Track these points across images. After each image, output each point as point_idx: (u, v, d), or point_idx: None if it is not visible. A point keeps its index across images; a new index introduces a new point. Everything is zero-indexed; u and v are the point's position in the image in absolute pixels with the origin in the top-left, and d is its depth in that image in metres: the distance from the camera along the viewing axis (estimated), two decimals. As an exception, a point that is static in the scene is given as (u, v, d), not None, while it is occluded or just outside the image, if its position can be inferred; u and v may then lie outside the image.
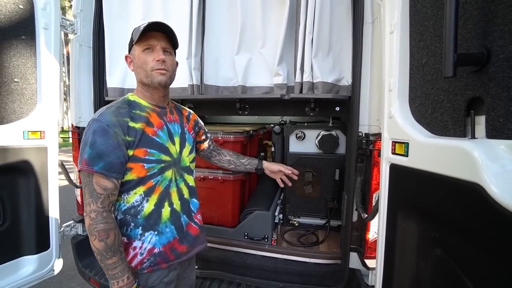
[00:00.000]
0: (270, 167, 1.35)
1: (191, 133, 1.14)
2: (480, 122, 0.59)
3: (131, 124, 0.90)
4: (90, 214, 0.84)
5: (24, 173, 1.47)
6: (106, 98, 1.80)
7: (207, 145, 1.29)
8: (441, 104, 0.72)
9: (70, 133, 1.83)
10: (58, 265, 1.64)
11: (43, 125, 1.51)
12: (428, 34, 0.77)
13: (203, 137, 1.25)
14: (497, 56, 0.53)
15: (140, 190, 0.93)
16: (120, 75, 1.81)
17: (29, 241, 1.52)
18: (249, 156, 1.39)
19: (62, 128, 1.75)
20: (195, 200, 1.12)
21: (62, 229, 1.72)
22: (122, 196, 0.93)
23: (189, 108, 1.77)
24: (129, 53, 1.00)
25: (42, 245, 1.56)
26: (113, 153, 0.85)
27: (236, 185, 1.70)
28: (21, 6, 1.37)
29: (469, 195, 0.55)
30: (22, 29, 1.39)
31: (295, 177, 1.37)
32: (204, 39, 1.57)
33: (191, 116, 1.19)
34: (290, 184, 1.39)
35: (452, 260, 0.64)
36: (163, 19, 1.64)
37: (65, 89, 1.88)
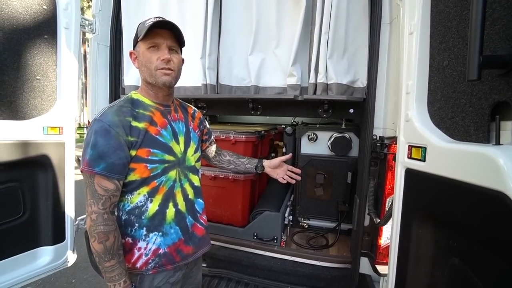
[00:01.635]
0: (271, 162, 1.33)
1: (197, 131, 1.12)
2: (506, 128, 0.56)
3: (134, 123, 0.88)
4: (91, 215, 0.84)
5: (43, 167, 1.52)
6: (122, 96, 1.84)
7: (209, 145, 1.27)
8: (462, 108, 0.69)
9: (86, 129, 1.88)
10: (72, 257, 1.69)
11: (62, 121, 1.56)
12: (451, 35, 0.75)
13: (206, 136, 1.23)
14: (526, 59, 0.51)
15: (144, 190, 0.92)
16: (136, 73, 1.84)
17: (46, 233, 1.57)
18: (251, 157, 1.38)
19: (79, 124, 1.80)
20: (200, 200, 1.10)
21: (76, 222, 1.77)
22: (126, 197, 0.92)
23: (202, 107, 1.79)
24: (133, 49, 0.98)
25: (58, 237, 1.61)
26: (114, 154, 0.83)
27: (247, 185, 1.70)
28: (44, 7, 1.42)
29: (492, 204, 0.52)
30: (45, 28, 1.44)
31: (298, 177, 1.35)
32: (220, 38, 1.58)
33: (196, 114, 1.17)
34: (293, 182, 1.36)
35: (470, 271, 0.61)
36: (179, 19, 1.67)
37: (82, 86, 1.93)
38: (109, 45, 1.82)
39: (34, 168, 1.49)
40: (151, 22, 0.87)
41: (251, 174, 1.40)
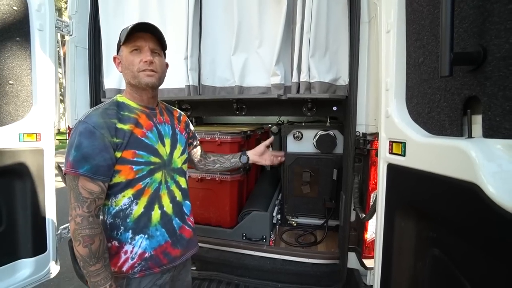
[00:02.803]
0: (255, 150, 1.32)
1: (183, 133, 1.12)
2: (477, 122, 0.59)
3: (119, 125, 0.88)
4: (75, 218, 0.82)
5: (20, 175, 1.45)
6: (103, 99, 1.79)
7: (193, 148, 1.26)
8: (438, 103, 0.71)
9: (67, 134, 1.81)
10: (55, 268, 1.63)
11: (39, 127, 1.50)
12: (425, 33, 0.77)
13: (191, 140, 1.23)
14: (493, 55, 0.53)
15: (129, 193, 0.91)
16: (117, 76, 1.80)
17: (25, 244, 1.50)
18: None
19: (59, 130, 1.74)
20: (188, 202, 1.10)
21: (59, 231, 1.71)
22: (111, 199, 0.91)
23: (186, 109, 1.77)
24: (117, 54, 0.98)
25: (39, 248, 1.55)
26: (99, 155, 0.83)
27: (234, 185, 1.69)
28: (15, 8, 1.36)
29: (466, 195, 0.54)
30: (16, 30, 1.37)
31: (283, 159, 1.36)
32: (201, 39, 1.56)
33: (181, 117, 1.17)
34: (280, 161, 1.36)
35: (449, 260, 0.64)
36: (159, 20, 1.64)
37: (62, 90, 1.87)
38: (87, 47, 1.77)
39: (10, 176, 1.43)
40: (132, 26, 0.89)
41: (238, 168, 1.38)
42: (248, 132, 1.84)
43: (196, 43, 1.56)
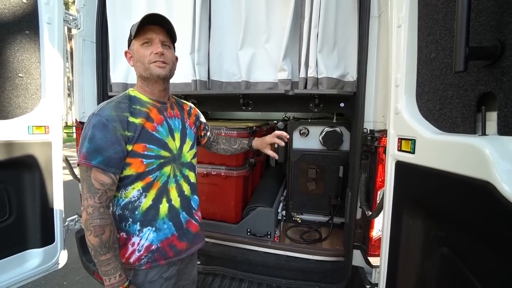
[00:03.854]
0: (262, 140, 1.33)
1: (192, 128, 1.13)
2: (492, 119, 0.57)
3: (131, 119, 0.90)
4: (87, 209, 0.84)
5: (29, 167, 1.48)
6: (110, 93, 1.80)
7: (207, 138, 1.29)
8: (450, 100, 0.70)
9: (74, 128, 1.83)
10: (62, 258, 1.66)
11: (48, 120, 1.51)
12: (438, 28, 0.75)
13: (204, 131, 1.25)
14: (509, 51, 0.51)
15: (138, 185, 0.93)
16: (124, 70, 1.80)
17: (34, 235, 1.53)
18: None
19: (66, 123, 1.75)
20: (196, 197, 1.12)
21: (66, 223, 1.74)
22: (120, 191, 0.93)
23: (192, 103, 1.77)
24: (128, 48, 0.99)
25: (47, 238, 1.58)
26: (111, 148, 0.85)
27: (239, 181, 1.69)
28: (24, 1, 1.36)
29: (480, 194, 0.53)
30: (25, 24, 1.38)
31: (285, 139, 1.33)
32: (210, 33, 1.55)
33: (192, 110, 1.18)
34: (283, 143, 1.33)
35: (459, 259, 0.63)
36: (166, 13, 1.63)
37: (69, 84, 1.88)
38: (95, 41, 1.77)
39: (20, 169, 1.45)
40: (142, 18, 0.90)
41: (246, 150, 1.38)
42: (254, 127, 1.84)
43: (204, 37, 1.55)
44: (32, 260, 1.53)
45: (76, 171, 1.78)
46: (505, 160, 0.49)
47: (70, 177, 1.84)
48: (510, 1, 0.51)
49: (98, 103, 1.78)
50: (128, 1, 1.72)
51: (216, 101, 1.75)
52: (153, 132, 0.94)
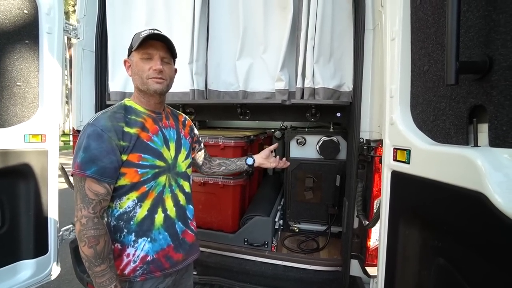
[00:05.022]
0: (261, 153, 1.34)
1: (187, 138, 1.14)
2: (483, 130, 0.58)
3: (126, 129, 0.90)
4: (81, 219, 0.83)
5: (24, 176, 1.46)
6: (108, 102, 1.81)
7: (197, 152, 1.28)
8: (443, 111, 0.71)
9: (71, 136, 1.83)
10: (56, 269, 1.63)
11: (44, 129, 1.51)
12: (430, 42, 0.77)
13: (196, 144, 1.25)
14: (500, 65, 0.53)
15: (133, 195, 0.92)
16: (122, 79, 1.82)
17: (27, 245, 1.50)
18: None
19: (63, 131, 1.75)
20: (191, 207, 1.11)
21: (60, 233, 1.71)
22: (115, 202, 0.92)
23: (190, 112, 1.78)
24: (128, 57, 1.01)
25: (40, 249, 1.55)
26: (106, 157, 0.85)
27: (237, 190, 1.69)
28: (25, 11, 1.38)
29: (472, 204, 0.54)
30: (26, 33, 1.40)
31: (287, 163, 1.37)
32: (208, 43, 1.58)
33: (186, 122, 1.19)
34: (286, 166, 1.38)
35: (455, 269, 0.63)
36: (165, 25, 1.67)
37: (67, 92, 1.89)
38: (94, 51, 1.79)
39: (15, 177, 1.44)
40: (146, 34, 0.91)
41: (243, 171, 1.37)
42: (251, 136, 1.85)
43: (202, 47, 1.57)
44: (25, 271, 1.50)
45: (72, 179, 1.77)
46: (497, 172, 0.50)
47: (65, 186, 1.83)
48: (496, 19, 0.53)
49: (96, 111, 1.79)
50: (128, 12, 1.75)
51: (213, 110, 1.76)
52: (148, 142, 0.94)
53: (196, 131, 1.24)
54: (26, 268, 1.50)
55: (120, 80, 1.82)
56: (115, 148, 0.86)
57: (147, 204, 0.94)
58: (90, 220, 0.83)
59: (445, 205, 0.65)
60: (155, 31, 0.93)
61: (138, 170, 0.91)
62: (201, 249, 1.37)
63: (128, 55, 1.00)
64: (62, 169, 1.69)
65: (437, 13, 0.74)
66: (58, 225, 1.64)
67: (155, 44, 0.94)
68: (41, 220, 1.54)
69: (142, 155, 0.92)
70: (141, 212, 0.94)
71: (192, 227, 1.10)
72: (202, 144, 1.30)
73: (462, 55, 0.61)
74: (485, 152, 0.54)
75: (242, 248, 1.59)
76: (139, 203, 0.93)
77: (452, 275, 0.64)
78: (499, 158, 0.52)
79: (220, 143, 1.61)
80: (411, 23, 0.89)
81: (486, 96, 0.57)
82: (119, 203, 0.92)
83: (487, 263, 0.53)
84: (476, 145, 0.59)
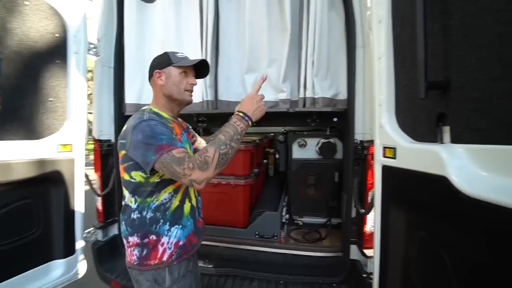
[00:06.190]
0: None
1: (192, 141, 1.31)
2: (446, 131, 0.80)
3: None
4: (192, 169, 0.89)
5: (55, 183, 1.62)
6: (125, 113, 1.98)
7: (198, 145, 1.39)
8: (419, 117, 0.93)
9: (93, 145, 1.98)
10: (82, 269, 1.77)
11: (72, 139, 1.67)
12: (408, 63, 0.99)
13: (194, 138, 1.37)
14: (454, 85, 0.75)
15: (170, 188, 1.06)
16: (136, 92, 1.99)
17: (58, 246, 1.65)
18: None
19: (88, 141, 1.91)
20: (200, 198, 1.27)
21: (84, 235, 1.85)
22: (154, 196, 1.04)
23: (202, 121, 1.97)
24: (159, 69, 1.11)
25: (69, 250, 1.69)
26: (172, 136, 0.99)
27: (246, 189, 1.87)
28: (57, 35, 1.55)
29: (440, 185, 0.74)
30: (57, 54, 1.56)
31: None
32: (218, 60, 1.78)
33: (190, 129, 1.35)
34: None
35: (432, 238, 0.83)
36: (176, 41, 1.86)
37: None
38: (112, 66, 1.96)
39: (47, 184, 1.59)
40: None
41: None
42: (257, 141, 2.04)
43: (213, 63, 1.77)
44: (56, 270, 1.64)
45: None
46: (454, 160, 0.71)
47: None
48: (451, 52, 0.75)
49: (116, 122, 1.95)
50: (142, 31, 1.94)
51: (224, 118, 1.94)
52: (179, 142, 1.07)
53: (194, 133, 1.39)
54: (57, 267, 1.65)
55: (134, 93, 1.99)
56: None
57: (179, 195, 1.08)
58: (194, 160, 0.90)
59: (422, 188, 0.85)
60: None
61: None
62: (216, 243, 1.52)
63: (161, 68, 1.12)
64: (86, 176, 1.84)
65: (411, 41, 0.95)
66: (83, 228, 1.78)
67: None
68: (69, 223, 1.69)
69: None
70: (175, 203, 1.07)
71: (202, 214, 1.26)
72: (196, 137, 1.41)
73: (433, 75, 0.81)
74: (447, 147, 0.75)
75: (254, 241, 1.77)
76: (174, 195, 1.07)
77: (430, 242, 0.84)
78: (456, 151, 0.73)
79: (231, 147, 1.79)
80: (394, 46, 1.10)
81: (447, 106, 0.78)
82: (157, 196, 1.04)
83: (452, 227, 0.74)
84: (442, 142, 0.80)
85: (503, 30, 0.60)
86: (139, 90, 2.00)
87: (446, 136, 0.80)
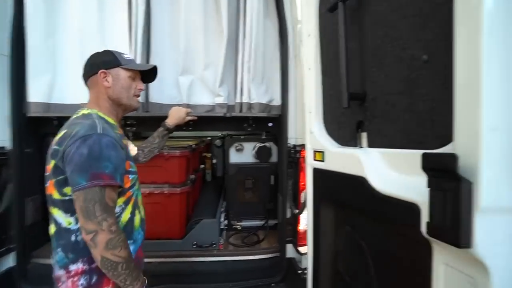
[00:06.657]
0: (171, 116, 1.46)
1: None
2: (364, 137, 0.92)
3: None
4: (110, 228, 0.83)
5: None
6: (28, 115, 1.63)
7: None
8: (342, 124, 1.04)
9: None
10: None
11: None
12: (333, 75, 1.10)
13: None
14: (369, 97, 0.87)
15: (121, 201, 0.95)
16: (46, 89, 1.66)
17: None
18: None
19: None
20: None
21: None
22: None
23: (131, 124, 1.78)
24: (105, 69, 1.01)
25: None
26: (122, 165, 0.91)
27: (183, 197, 1.77)
28: None
29: (360, 185, 0.85)
30: None
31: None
32: (149, 60, 1.64)
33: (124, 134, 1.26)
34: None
35: (355, 231, 0.94)
36: (99, 35, 1.64)
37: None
38: (7, 55, 1.59)
39: None
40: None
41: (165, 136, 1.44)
42: (193, 146, 1.96)
43: (143, 62, 1.62)
44: None
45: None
46: (370, 162, 0.82)
47: None
48: (365, 71, 0.87)
49: (14, 124, 1.58)
50: (52, 17, 1.63)
51: (155, 122, 1.79)
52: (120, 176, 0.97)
53: (127, 140, 1.28)
54: None
55: (42, 89, 1.66)
56: (124, 157, 0.92)
57: (129, 207, 0.98)
58: (116, 225, 0.85)
59: (346, 188, 0.96)
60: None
61: (129, 176, 0.96)
62: (150, 260, 1.39)
63: (108, 68, 1.00)
64: None
65: (336, 56, 1.07)
66: None
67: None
68: None
69: (130, 162, 0.98)
70: (125, 216, 0.97)
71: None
72: (128, 143, 1.31)
73: (354, 87, 0.92)
74: (365, 151, 0.86)
75: (191, 252, 1.68)
76: (124, 208, 0.96)
77: (353, 236, 0.95)
78: (372, 155, 0.84)
79: (165, 153, 1.67)
80: (321, 59, 1.22)
81: (364, 115, 0.90)
82: None
83: (370, 221, 0.85)
84: (361, 147, 0.92)
85: (402, 54, 0.73)
86: (49, 87, 1.68)
87: (364, 141, 0.92)
